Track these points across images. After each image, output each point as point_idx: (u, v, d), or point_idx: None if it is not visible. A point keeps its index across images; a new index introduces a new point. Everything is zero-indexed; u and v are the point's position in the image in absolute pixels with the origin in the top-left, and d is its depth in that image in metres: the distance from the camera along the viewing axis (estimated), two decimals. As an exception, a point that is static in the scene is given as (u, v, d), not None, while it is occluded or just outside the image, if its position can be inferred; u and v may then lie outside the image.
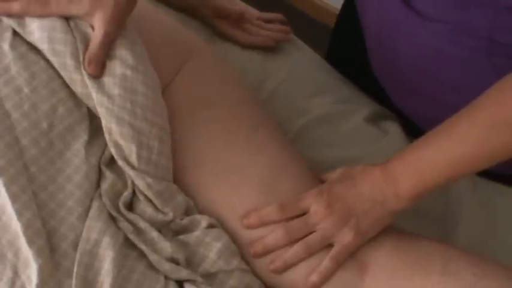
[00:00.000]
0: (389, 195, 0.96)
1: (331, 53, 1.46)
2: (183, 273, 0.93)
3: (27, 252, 0.87)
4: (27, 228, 0.87)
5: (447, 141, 0.93)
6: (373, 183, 0.98)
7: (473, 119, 0.91)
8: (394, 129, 1.25)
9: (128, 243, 0.94)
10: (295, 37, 1.43)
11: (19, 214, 0.88)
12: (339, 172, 1.03)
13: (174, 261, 0.94)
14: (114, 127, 0.95)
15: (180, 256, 0.95)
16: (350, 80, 1.35)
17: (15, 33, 0.99)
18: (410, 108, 1.22)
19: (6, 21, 1.00)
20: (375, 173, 0.98)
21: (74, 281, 0.88)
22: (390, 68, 1.18)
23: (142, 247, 0.94)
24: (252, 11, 1.40)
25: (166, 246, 0.94)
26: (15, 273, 0.87)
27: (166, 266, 0.93)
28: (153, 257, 0.93)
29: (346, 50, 1.41)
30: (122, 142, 0.96)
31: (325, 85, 1.33)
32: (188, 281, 0.95)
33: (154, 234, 0.95)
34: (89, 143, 0.97)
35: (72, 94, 0.98)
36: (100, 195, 0.96)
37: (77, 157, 0.95)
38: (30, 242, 0.87)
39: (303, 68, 1.36)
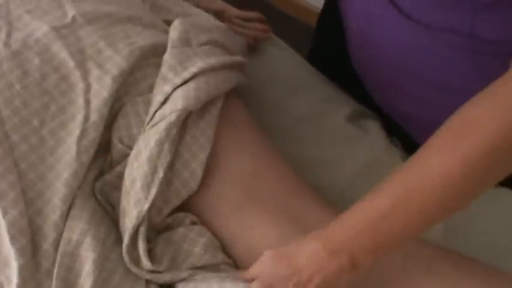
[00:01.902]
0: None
1: (313, 52, 1.46)
2: (166, 277, 0.94)
3: (7, 252, 0.87)
4: (11, 226, 0.88)
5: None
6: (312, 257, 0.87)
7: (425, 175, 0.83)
8: (374, 129, 1.26)
9: (110, 244, 0.94)
10: (275, 37, 1.43)
11: (5, 212, 0.88)
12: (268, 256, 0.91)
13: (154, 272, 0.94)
14: None
15: (165, 258, 0.95)
16: (331, 79, 1.35)
17: (9, 32, 1.01)
18: (390, 105, 1.23)
19: (0, 21, 1.02)
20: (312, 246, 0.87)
21: (54, 282, 0.88)
22: (372, 65, 1.19)
23: (125, 257, 0.93)
24: (231, 10, 1.41)
25: (147, 264, 0.93)
26: None
27: (148, 276, 0.93)
28: (134, 270, 0.93)
29: (328, 48, 1.41)
30: None
31: (306, 84, 1.34)
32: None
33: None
34: (83, 138, 0.97)
35: (66, 92, 0.99)
36: (84, 192, 0.96)
37: (68, 154, 0.96)
38: (13, 240, 0.87)
39: (283, 67, 1.36)
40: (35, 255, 0.89)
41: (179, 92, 0.98)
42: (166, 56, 1.04)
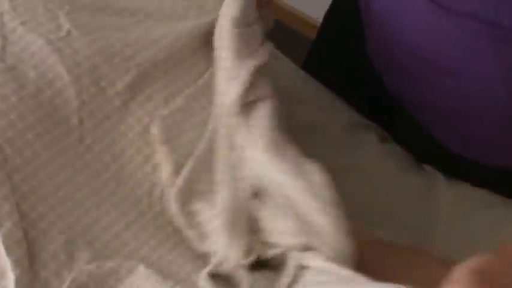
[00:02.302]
0: None
1: (319, 42, 1.44)
2: None
3: (3, 263, 0.88)
4: (6, 238, 0.88)
5: None
6: None
7: None
8: (371, 139, 1.26)
9: None
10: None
11: (0, 224, 0.89)
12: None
13: None
14: None
15: None
16: (342, 65, 1.34)
17: (3, 47, 1.01)
18: (404, 91, 1.21)
19: None
20: None
21: None
22: (390, 48, 1.17)
23: None
24: None
25: None
26: None
27: None
28: None
29: (342, 31, 1.39)
30: None
31: (303, 94, 1.34)
32: None
33: None
34: (78, 158, 0.97)
35: (60, 108, 0.99)
36: None
37: (62, 171, 0.96)
38: (9, 251, 0.88)
39: (280, 77, 1.36)
40: (32, 265, 0.89)
41: None
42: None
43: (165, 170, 1.01)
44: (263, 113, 1.03)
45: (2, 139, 0.94)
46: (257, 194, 0.98)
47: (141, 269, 0.93)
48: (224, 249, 0.94)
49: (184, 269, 0.96)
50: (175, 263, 0.97)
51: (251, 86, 1.03)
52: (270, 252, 0.95)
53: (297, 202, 0.94)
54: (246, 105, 1.03)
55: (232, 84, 1.02)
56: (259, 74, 1.06)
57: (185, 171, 1.01)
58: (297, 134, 1.21)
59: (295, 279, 0.91)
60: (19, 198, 0.92)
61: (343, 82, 1.35)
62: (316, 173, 0.96)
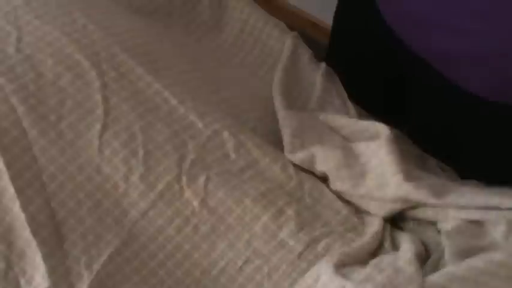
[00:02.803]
0: None
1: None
2: None
3: (23, 245, 0.88)
4: (31, 220, 0.88)
5: None
6: None
7: None
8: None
9: None
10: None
11: (24, 207, 0.89)
12: None
13: None
14: None
15: None
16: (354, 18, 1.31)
17: (19, 37, 1.01)
18: (425, 41, 1.17)
19: (8, 27, 1.02)
20: None
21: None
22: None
23: None
24: None
25: None
26: (8, 265, 0.87)
27: None
28: None
29: None
30: None
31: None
32: None
33: None
34: (105, 132, 0.97)
35: (82, 89, 0.99)
36: None
37: (89, 147, 0.95)
38: (35, 232, 0.88)
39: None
40: (61, 245, 0.89)
41: None
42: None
43: None
44: None
45: (26, 123, 0.94)
46: None
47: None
48: None
49: None
50: None
51: None
52: None
53: None
54: None
55: None
56: None
57: None
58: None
59: None
60: (46, 178, 0.92)
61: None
62: None
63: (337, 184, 1.03)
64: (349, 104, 1.20)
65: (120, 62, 1.03)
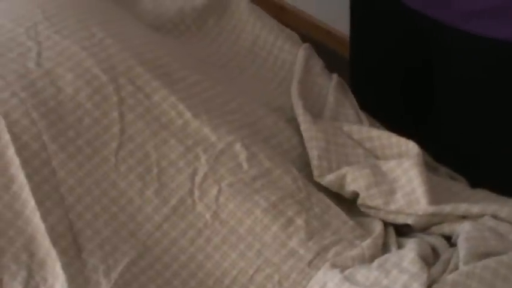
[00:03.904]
0: None
1: None
2: None
3: (44, 254, 0.92)
4: (51, 230, 0.92)
5: None
6: None
7: None
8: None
9: None
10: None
11: (44, 218, 0.92)
12: None
13: None
14: None
15: None
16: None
17: (39, 52, 1.04)
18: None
19: (29, 42, 1.06)
20: None
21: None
22: None
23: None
24: None
25: None
26: (29, 274, 0.91)
27: None
28: None
29: None
30: None
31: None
32: None
33: None
34: (120, 150, 1.00)
35: (99, 104, 1.02)
36: None
37: (106, 164, 0.99)
38: (54, 243, 0.92)
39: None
40: (79, 254, 0.92)
41: None
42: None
43: None
44: None
45: (46, 137, 0.97)
46: None
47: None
48: None
49: None
50: None
51: None
52: None
53: None
54: None
55: None
56: None
57: None
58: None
59: None
60: (65, 191, 0.95)
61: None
62: None
63: (367, 201, 1.05)
64: (362, 114, 1.22)
65: (137, 76, 1.06)
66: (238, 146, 1.05)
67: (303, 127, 1.13)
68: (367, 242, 0.99)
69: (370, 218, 1.05)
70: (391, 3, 1.23)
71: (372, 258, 0.97)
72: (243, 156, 1.04)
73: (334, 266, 0.95)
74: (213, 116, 1.07)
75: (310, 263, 0.97)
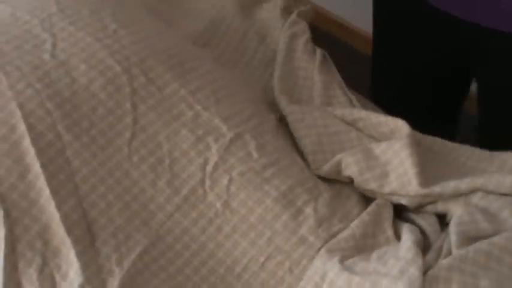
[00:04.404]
0: None
1: None
2: None
3: (58, 242, 0.94)
4: (65, 219, 0.94)
5: None
6: None
7: None
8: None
9: None
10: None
11: (58, 208, 0.95)
12: None
13: None
14: None
15: None
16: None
17: (54, 43, 1.06)
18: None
19: (44, 34, 1.08)
20: None
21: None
22: None
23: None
24: None
25: None
26: (44, 261, 0.93)
27: None
28: None
29: None
30: None
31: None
32: None
33: None
34: (133, 140, 1.02)
35: (113, 95, 1.04)
36: None
37: (119, 154, 1.01)
38: (69, 231, 0.94)
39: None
40: (93, 243, 0.94)
41: None
42: None
43: None
44: None
45: (60, 127, 0.99)
46: None
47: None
48: None
49: None
50: None
51: None
52: None
53: None
54: None
55: None
56: None
57: None
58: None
59: None
60: (79, 180, 0.97)
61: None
62: None
63: (362, 185, 1.07)
64: (350, 94, 1.24)
65: (150, 67, 1.08)
66: (247, 136, 1.06)
67: (292, 127, 1.15)
68: (355, 222, 1.01)
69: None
70: (428, 9, 1.24)
71: (363, 237, 0.99)
72: (252, 145, 1.06)
73: (329, 251, 0.96)
74: (223, 107, 1.09)
75: (319, 250, 0.98)
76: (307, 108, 1.17)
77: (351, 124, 1.15)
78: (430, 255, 0.95)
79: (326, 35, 1.41)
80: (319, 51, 1.28)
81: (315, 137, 1.12)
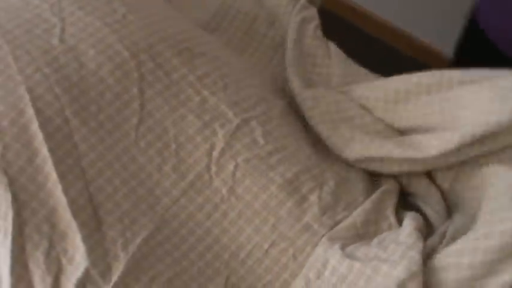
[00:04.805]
0: None
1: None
2: None
3: (65, 226, 0.95)
4: (72, 203, 0.95)
5: None
6: None
7: None
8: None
9: None
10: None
11: (65, 191, 0.95)
12: None
13: None
14: None
15: None
16: None
17: (63, 28, 1.07)
18: None
19: (53, 18, 1.08)
20: None
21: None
22: None
23: None
24: None
25: None
26: (51, 244, 0.95)
27: None
28: None
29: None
30: None
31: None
32: None
33: None
34: (140, 125, 1.03)
35: (120, 79, 1.04)
36: None
37: (126, 139, 1.02)
38: (75, 216, 0.95)
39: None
40: (99, 227, 0.95)
41: None
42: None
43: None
44: None
45: (68, 112, 1.00)
46: None
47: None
48: None
49: None
50: None
51: None
52: None
53: None
54: None
55: None
56: None
57: None
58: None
59: None
60: (86, 164, 0.98)
61: None
62: None
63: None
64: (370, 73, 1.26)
65: (158, 53, 1.08)
66: (254, 123, 1.07)
67: (306, 115, 1.15)
68: (357, 210, 1.02)
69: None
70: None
71: (365, 225, 1.00)
72: (258, 132, 1.06)
73: (330, 239, 0.97)
74: (230, 93, 1.09)
75: (323, 238, 0.99)
76: (320, 92, 1.18)
77: (365, 107, 1.17)
78: (433, 239, 0.96)
79: (338, 19, 1.40)
80: (331, 45, 1.30)
81: (330, 124, 1.13)
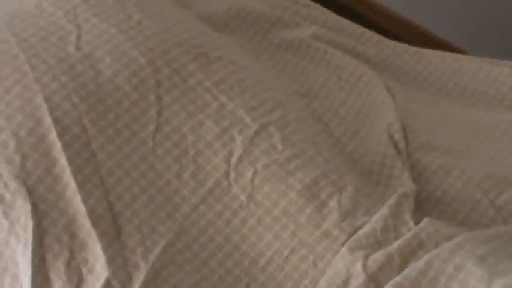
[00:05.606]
0: None
1: None
2: None
3: (85, 236, 0.95)
4: (91, 212, 0.95)
5: None
6: None
7: None
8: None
9: None
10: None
11: (84, 200, 0.95)
12: None
13: None
14: None
15: None
16: None
17: (79, 35, 1.07)
18: None
19: (69, 25, 1.08)
20: None
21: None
22: None
23: None
24: None
25: None
26: (71, 255, 0.94)
27: None
28: None
29: None
30: None
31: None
32: None
33: None
34: (157, 133, 1.03)
35: (137, 86, 1.04)
36: None
37: (144, 147, 1.01)
38: (95, 225, 0.94)
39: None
40: (119, 236, 0.95)
41: None
42: None
43: None
44: None
45: (86, 120, 1.00)
46: None
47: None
48: None
49: None
50: None
51: None
52: None
53: None
54: None
55: None
56: None
57: None
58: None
59: None
60: (105, 172, 0.98)
61: None
62: None
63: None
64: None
65: (174, 58, 1.08)
66: (272, 128, 1.06)
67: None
68: (375, 216, 1.01)
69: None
70: None
71: (384, 231, 0.99)
72: (277, 137, 1.06)
73: (351, 249, 0.96)
74: (247, 98, 1.09)
75: (343, 244, 0.99)
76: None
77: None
78: None
79: (348, 10, 1.42)
80: None
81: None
